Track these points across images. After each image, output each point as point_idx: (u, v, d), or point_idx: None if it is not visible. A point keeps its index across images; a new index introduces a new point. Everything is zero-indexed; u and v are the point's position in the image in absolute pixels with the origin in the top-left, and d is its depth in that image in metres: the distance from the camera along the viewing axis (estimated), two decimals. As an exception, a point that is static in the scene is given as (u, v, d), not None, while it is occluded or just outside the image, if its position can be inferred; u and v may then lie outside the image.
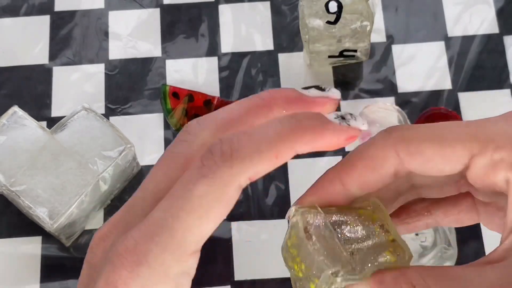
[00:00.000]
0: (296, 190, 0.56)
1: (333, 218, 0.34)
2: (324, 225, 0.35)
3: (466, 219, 0.31)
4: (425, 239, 0.48)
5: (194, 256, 0.25)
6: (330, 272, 0.32)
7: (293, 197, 0.55)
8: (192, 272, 0.25)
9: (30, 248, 0.54)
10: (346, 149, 0.57)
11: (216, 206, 0.24)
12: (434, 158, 0.26)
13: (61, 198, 0.48)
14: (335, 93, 0.28)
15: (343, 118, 0.27)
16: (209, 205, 0.24)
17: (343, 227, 0.35)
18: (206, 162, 0.24)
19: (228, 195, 0.24)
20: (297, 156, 0.59)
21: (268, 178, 0.56)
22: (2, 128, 0.50)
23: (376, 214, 0.35)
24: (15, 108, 0.51)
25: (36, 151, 0.49)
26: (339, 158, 0.57)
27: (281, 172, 0.56)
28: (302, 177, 0.56)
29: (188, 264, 0.24)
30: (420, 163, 0.26)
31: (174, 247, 0.24)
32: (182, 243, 0.24)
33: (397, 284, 0.25)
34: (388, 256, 0.32)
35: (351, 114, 0.27)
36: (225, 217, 0.25)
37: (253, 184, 0.56)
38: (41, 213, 0.48)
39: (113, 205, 0.55)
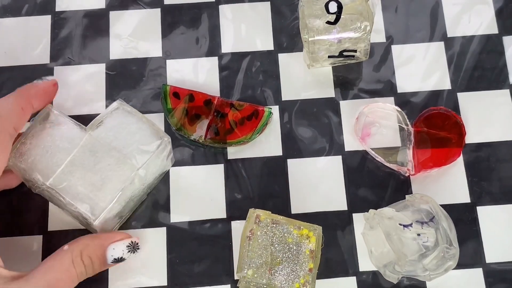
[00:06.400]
0: (296, 190, 0.56)
1: (278, 227, 0.51)
2: (266, 232, 0.51)
3: None
4: (427, 239, 0.48)
5: None
6: (242, 275, 0.49)
7: (293, 197, 0.56)
8: None
9: (31, 247, 0.54)
10: (346, 149, 0.57)
11: None
12: None
13: (101, 194, 0.48)
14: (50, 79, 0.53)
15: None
16: None
17: (281, 236, 0.50)
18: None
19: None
20: (297, 156, 0.59)
21: (268, 178, 0.56)
22: (38, 128, 0.50)
23: (314, 238, 0.50)
24: (50, 107, 0.51)
25: (73, 149, 0.49)
26: (339, 158, 0.57)
27: (281, 173, 0.57)
28: (302, 177, 0.56)
29: None
30: None
31: None
32: None
33: None
34: None
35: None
36: None
37: (253, 184, 0.56)
38: (83, 209, 0.48)
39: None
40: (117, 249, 0.47)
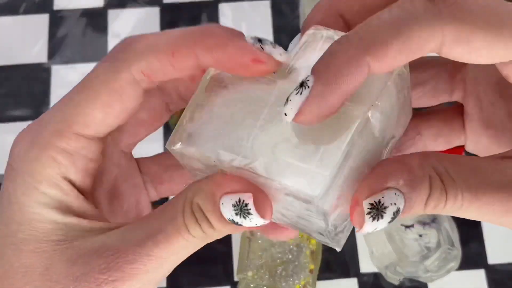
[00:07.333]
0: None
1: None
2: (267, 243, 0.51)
3: (455, 139, 0.30)
4: (429, 240, 0.48)
5: (78, 138, 0.26)
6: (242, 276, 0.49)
7: (293, 197, 0.55)
8: (77, 158, 0.26)
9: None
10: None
11: (104, 90, 0.26)
12: (480, 49, 0.23)
13: (321, 157, 0.27)
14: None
15: (259, 40, 0.26)
16: (99, 87, 0.26)
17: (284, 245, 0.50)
18: (109, 54, 0.26)
19: (119, 83, 0.25)
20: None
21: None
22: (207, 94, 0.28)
23: (315, 239, 0.49)
24: (212, 71, 0.27)
25: (262, 109, 0.28)
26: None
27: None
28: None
29: (70, 143, 0.26)
30: (461, 52, 0.23)
31: (58, 120, 0.26)
32: (66, 119, 0.26)
33: (424, 168, 0.23)
34: None
35: (272, 42, 0.26)
36: (121, 113, 0.26)
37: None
38: (296, 186, 0.27)
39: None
40: (225, 205, 0.27)
